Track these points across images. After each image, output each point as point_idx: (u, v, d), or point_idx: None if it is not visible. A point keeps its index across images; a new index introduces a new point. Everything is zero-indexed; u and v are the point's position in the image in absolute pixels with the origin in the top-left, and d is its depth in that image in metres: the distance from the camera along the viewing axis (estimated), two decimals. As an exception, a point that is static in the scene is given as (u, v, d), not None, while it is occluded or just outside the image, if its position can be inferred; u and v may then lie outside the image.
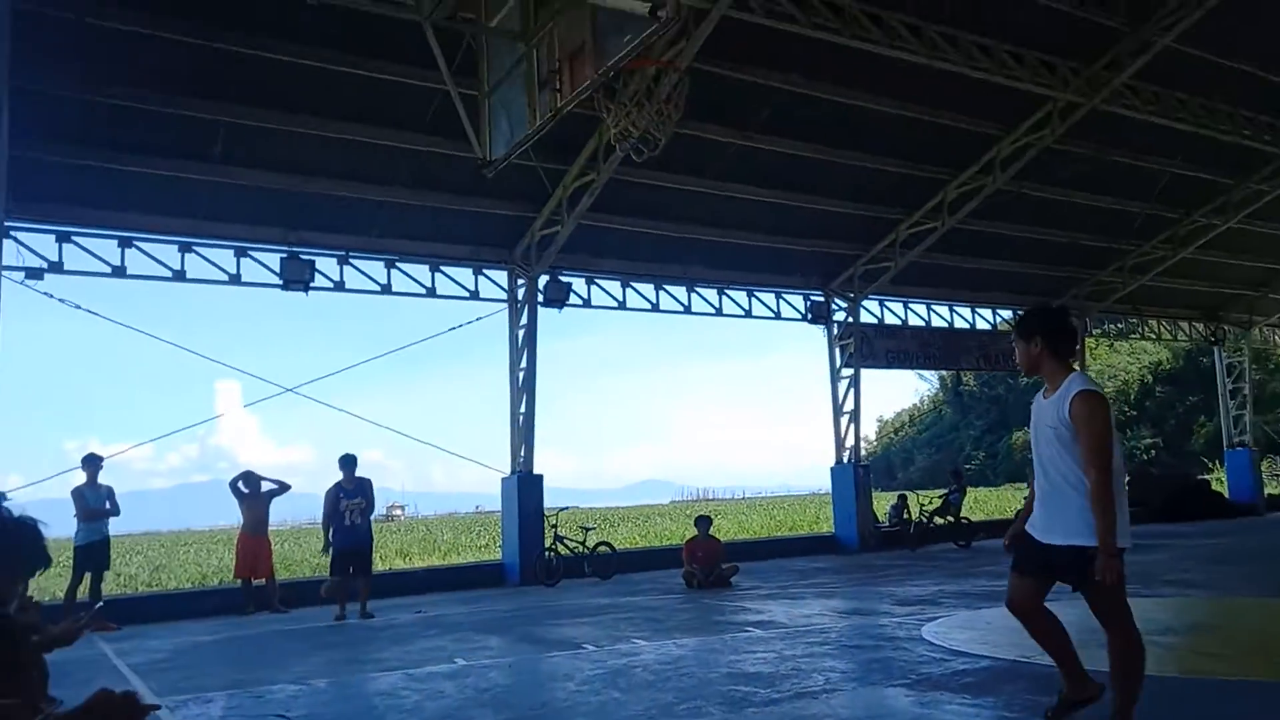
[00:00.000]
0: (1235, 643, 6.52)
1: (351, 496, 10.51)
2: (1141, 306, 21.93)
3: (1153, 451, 50.92)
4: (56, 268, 11.46)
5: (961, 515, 17.81)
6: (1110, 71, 12.99)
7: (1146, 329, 23.40)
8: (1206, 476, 28.85)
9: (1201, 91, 14.24)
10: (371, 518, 10.84)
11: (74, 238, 11.58)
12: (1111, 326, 23.79)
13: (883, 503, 19.53)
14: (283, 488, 12.04)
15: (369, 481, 10.80)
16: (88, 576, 10.45)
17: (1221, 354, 23.88)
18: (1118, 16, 12.34)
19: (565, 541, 13.86)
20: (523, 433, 14.24)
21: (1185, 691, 5.03)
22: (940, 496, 18.18)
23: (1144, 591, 9.09)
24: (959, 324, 19.66)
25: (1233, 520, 20.40)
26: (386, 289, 13.57)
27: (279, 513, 12.99)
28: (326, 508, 10.54)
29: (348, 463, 10.67)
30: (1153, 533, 17.64)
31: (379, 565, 19.94)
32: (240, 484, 11.81)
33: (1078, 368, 4.21)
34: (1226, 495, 23.20)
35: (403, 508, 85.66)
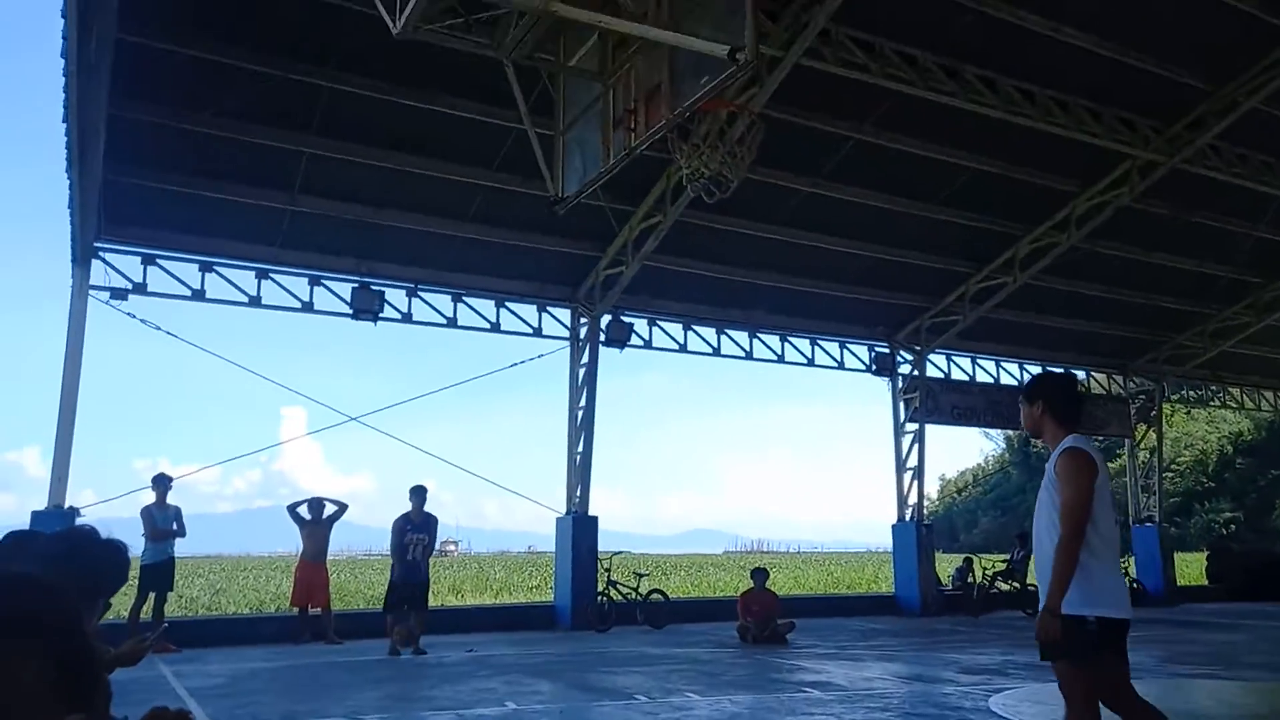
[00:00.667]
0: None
1: (418, 531, 10.48)
2: (1222, 373, 21.12)
3: (1232, 526, 48.81)
4: (140, 289, 11.84)
5: (1027, 581, 17.17)
6: (1193, 131, 12.64)
7: (1228, 397, 22.49)
8: (1290, 555, 27.44)
9: (1289, 154, 13.79)
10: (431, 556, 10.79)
11: (158, 260, 11.98)
12: (1190, 393, 22.95)
13: (945, 565, 18.96)
14: (342, 508, 12.15)
15: (435, 519, 10.78)
16: (151, 596, 10.61)
17: (1308, 426, 22.82)
18: (1201, 76, 12.06)
19: (618, 587, 13.68)
20: (580, 472, 14.18)
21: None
22: (1004, 560, 17.56)
23: (1225, 674, 8.60)
24: (1029, 383, 19.15)
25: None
26: (452, 322, 13.74)
27: (337, 541, 13.10)
28: (394, 538, 10.46)
29: (419, 494, 10.62)
30: (1232, 611, 16.79)
31: (433, 601, 20.01)
32: (303, 509, 11.92)
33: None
34: (1312, 575, 21.98)
35: (456, 543, 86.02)
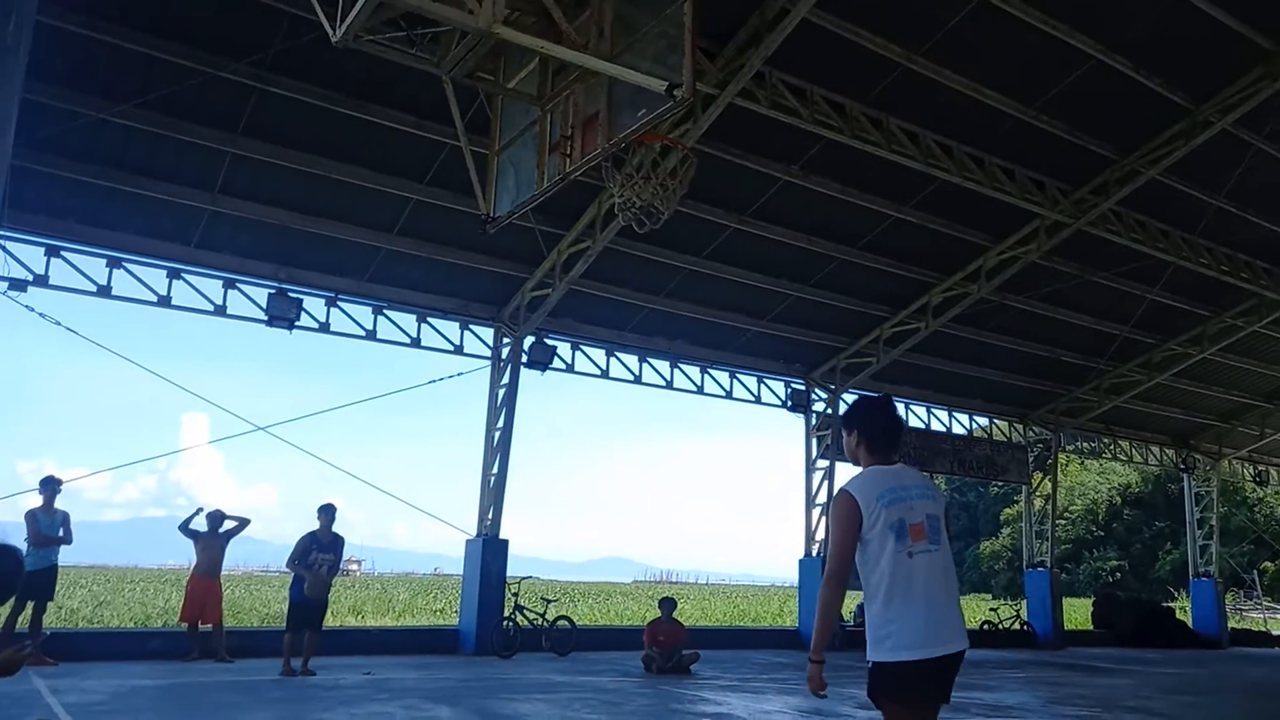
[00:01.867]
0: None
1: (324, 550, 10.16)
2: (1115, 427, 22.19)
3: (1118, 575, 50.94)
4: (41, 281, 11.32)
5: None
6: (1097, 196, 13.40)
7: (1119, 449, 23.62)
8: (1171, 604, 28.81)
9: (1184, 224, 14.70)
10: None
11: (63, 252, 11.47)
12: (1084, 444, 24.00)
13: (850, 601, 19.30)
14: (243, 524, 11.74)
15: (342, 540, 10.44)
16: (30, 605, 10.04)
17: (1190, 482, 24.08)
18: (1108, 145, 12.79)
19: (525, 612, 13.53)
20: (493, 494, 14.02)
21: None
22: None
23: (1105, 717, 8.97)
24: (935, 426, 19.78)
25: (1196, 651, 20.29)
26: (371, 335, 13.50)
27: (233, 556, 12.64)
28: (296, 552, 10.11)
29: (327, 513, 10.33)
30: (1117, 657, 17.51)
31: (330, 621, 19.42)
32: (198, 521, 11.48)
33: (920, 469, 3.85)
34: (1190, 625, 23.12)
35: (359, 562, 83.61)
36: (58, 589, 10.91)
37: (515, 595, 13.56)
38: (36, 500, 10.35)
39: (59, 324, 11.57)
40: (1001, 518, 59.37)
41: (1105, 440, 23.13)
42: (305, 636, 10.09)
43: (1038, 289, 16.04)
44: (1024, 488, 21.46)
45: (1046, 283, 15.82)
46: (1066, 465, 47.89)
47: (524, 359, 14.23)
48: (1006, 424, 21.11)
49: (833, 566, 3.45)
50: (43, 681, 8.27)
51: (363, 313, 13.44)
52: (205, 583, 11.30)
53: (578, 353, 15.31)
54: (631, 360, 15.86)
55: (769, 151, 12.25)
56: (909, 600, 3.36)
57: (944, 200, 13.47)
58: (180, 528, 11.50)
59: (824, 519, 17.62)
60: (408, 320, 13.80)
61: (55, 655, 9.67)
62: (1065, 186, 13.43)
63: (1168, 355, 18.73)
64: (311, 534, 10.20)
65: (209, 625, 11.23)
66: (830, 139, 11.40)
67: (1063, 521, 48.51)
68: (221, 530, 11.55)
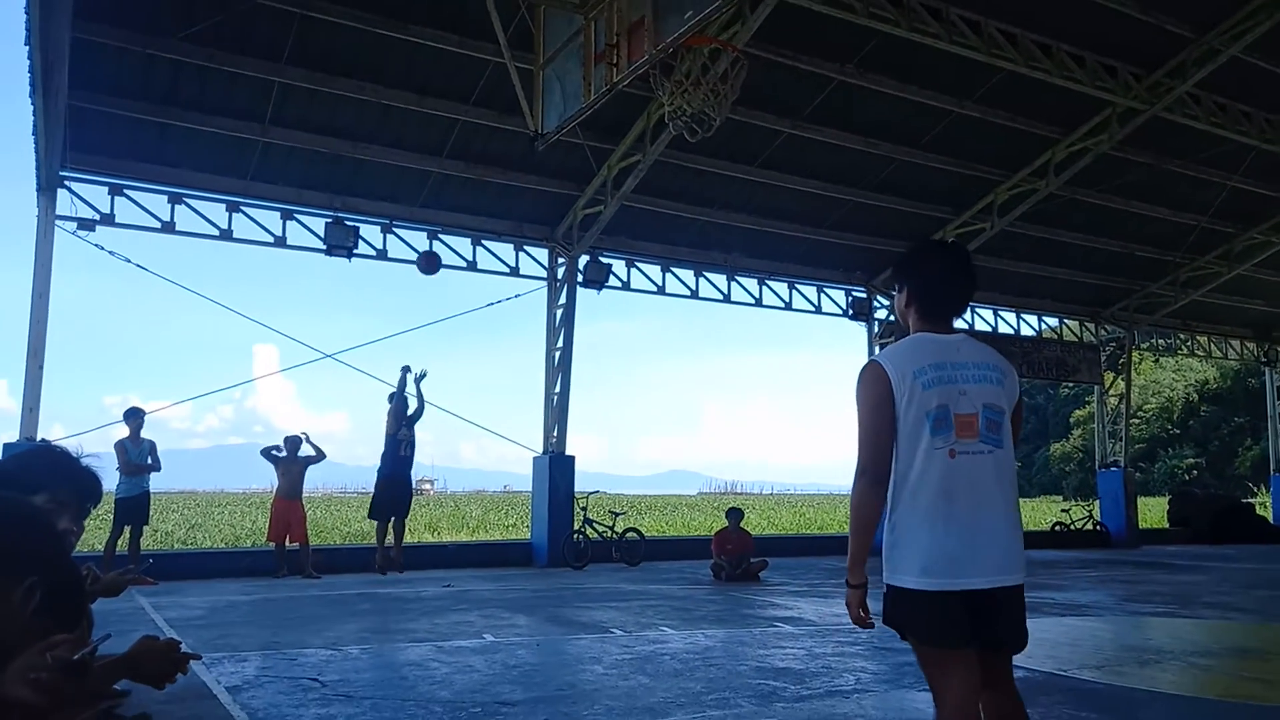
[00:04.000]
0: (1275, 668, 6.31)
1: (409, 426, 12.04)
2: (1192, 322, 21.44)
3: (1194, 472, 49.98)
4: (108, 220, 11.59)
5: None
6: (1173, 79, 12.62)
7: (1196, 345, 22.85)
8: (1250, 500, 28.22)
9: (1267, 105, 13.82)
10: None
11: (126, 191, 11.71)
12: (1159, 341, 23.27)
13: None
14: (319, 456, 12.15)
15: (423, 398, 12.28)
16: (127, 530, 10.59)
17: (1272, 375, 23.25)
18: (1184, 23, 12.00)
19: (594, 525, 13.84)
20: (556, 413, 14.23)
21: (1222, 714, 4.87)
22: None
23: (1184, 613, 8.88)
24: (1003, 329, 19.34)
25: (1276, 545, 19.91)
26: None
27: (312, 479, 13.12)
28: (390, 425, 12.10)
29: (408, 378, 12.23)
30: (1194, 554, 17.29)
31: (409, 538, 20.17)
32: (276, 449, 11.90)
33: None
34: (1271, 520, 22.65)
35: (431, 482, 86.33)
36: (152, 513, 11.46)
37: (584, 509, 13.86)
38: (124, 431, 10.82)
39: (129, 261, 11.91)
40: (1072, 419, 58.48)
41: (1182, 336, 22.41)
42: (397, 528, 11.73)
43: (1110, 181, 15.35)
44: (1096, 388, 20.99)
45: (1119, 175, 15.12)
46: (1140, 363, 46.65)
47: (579, 278, 14.23)
48: (1077, 324, 20.54)
49: (863, 459, 2.67)
50: (146, 600, 8.78)
51: (418, 238, 13.53)
52: (288, 504, 11.75)
53: (633, 270, 15.24)
54: (687, 275, 15.74)
55: (822, 51, 11.80)
56: (939, 513, 2.58)
57: (1009, 92, 12.87)
58: (262, 453, 11.95)
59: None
60: (463, 244, 13.86)
61: (154, 575, 10.20)
62: (1139, 70, 12.68)
63: (1249, 245, 17.90)
64: (401, 405, 12.09)
65: (295, 544, 11.73)
66: (886, 33, 10.87)
67: (1136, 420, 47.56)
68: (300, 454, 11.96)
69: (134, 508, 10.58)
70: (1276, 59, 12.76)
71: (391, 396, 12.22)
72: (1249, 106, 13.78)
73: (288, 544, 11.72)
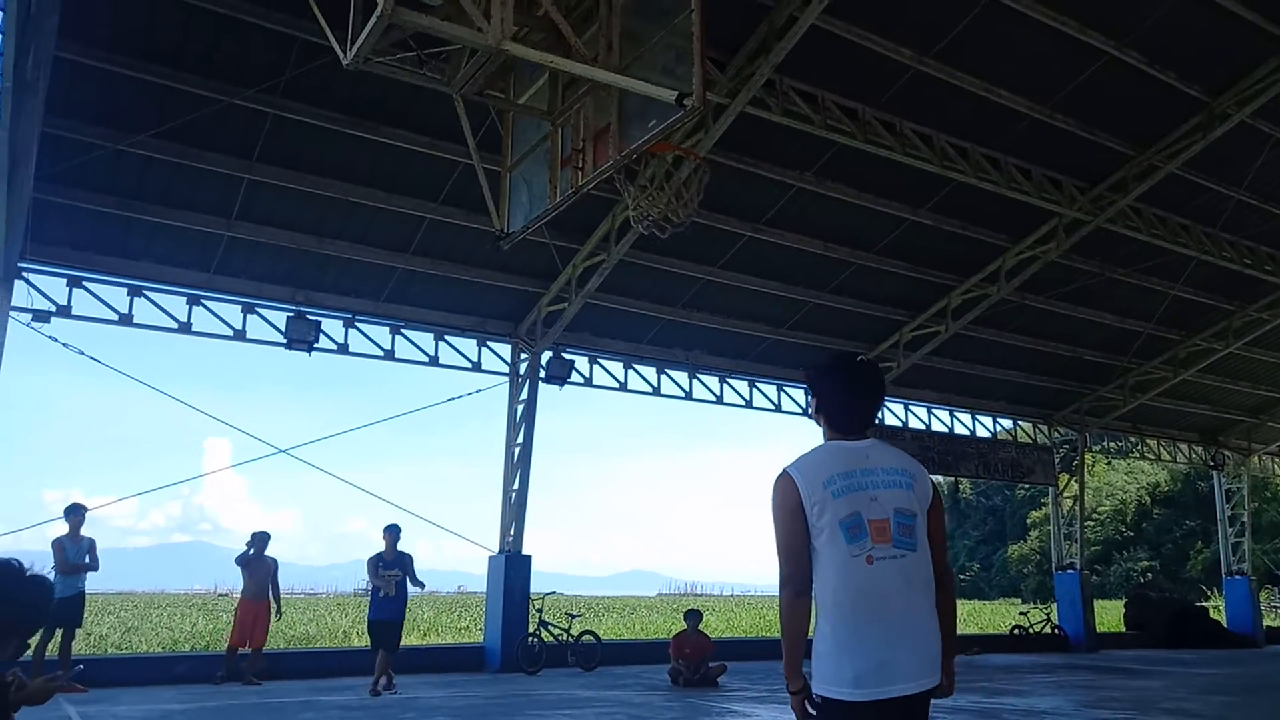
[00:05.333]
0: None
1: (389, 567, 10.51)
2: (1142, 426, 21.91)
3: (1149, 575, 50.25)
4: (64, 312, 11.43)
5: None
6: (1115, 193, 13.26)
7: (1146, 449, 23.31)
8: (1205, 604, 28.37)
9: (1204, 219, 14.53)
10: (409, 590, 10.80)
11: (85, 283, 11.59)
12: (1111, 444, 23.74)
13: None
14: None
15: (410, 556, 10.77)
16: (58, 633, 10.10)
17: (1221, 480, 23.71)
18: (1124, 140, 12.67)
19: (550, 628, 13.48)
20: (514, 510, 14.02)
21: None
22: None
23: (1141, 719, 8.81)
24: (959, 429, 19.60)
25: (1231, 650, 19.95)
26: (390, 354, 13.55)
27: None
28: (369, 573, 10.59)
29: (392, 532, 10.70)
30: (1151, 659, 17.25)
31: (355, 642, 19.42)
32: (249, 550, 11.40)
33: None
34: (1225, 625, 22.74)
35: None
36: (86, 615, 10.95)
37: (539, 611, 13.52)
38: (63, 528, 10.43)
39: (82, 353, 11.68)
40: (1029, 520, 58.78)
41: (1132, 439, 22.84)
42: (383, 654, 10.33)
43: (1058, 288, 15.89)
44: (1051, 489, 21.22)
45: (1067, 281, 15.67)
46: (1094, 465, 47.36)
47: (542, 374, 14.24)
48: (1031, 425, 20.89)
49: (784, 570, 2.69)
50: (74, 709, 8.31)
51: (380, 333, 13.50)
52: (255, 605, 11.22)
53: (595, 366, 15.31)
54: (649, 372, 15.84)
55: (782, 159, 12.23)
56: (865, 621, 2.61)
57: (960, 202, 13.39)
58: (237, 561, 11.41)
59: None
60: (425, 339, 13.85)
61: (85, 682, 9.70)
62: (1083, 184, 13.32)
63: (1193, 351, 18.48)
64: (378, 554, 10.60)
65: (247, 649, 11.19)
66: (843, 144, 11.37)
67: (1091, 523, 47.94)
68: (266, 552, 11.48)
69: (68, 609, 10.08)
70: (1211, 175, 13.50)
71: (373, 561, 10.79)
72: (1187, 219, 14.48)
73: (243, 649, 11.17)
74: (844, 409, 2.91)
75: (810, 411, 3.03)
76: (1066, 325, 17.31)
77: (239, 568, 11.41)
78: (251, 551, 11.42)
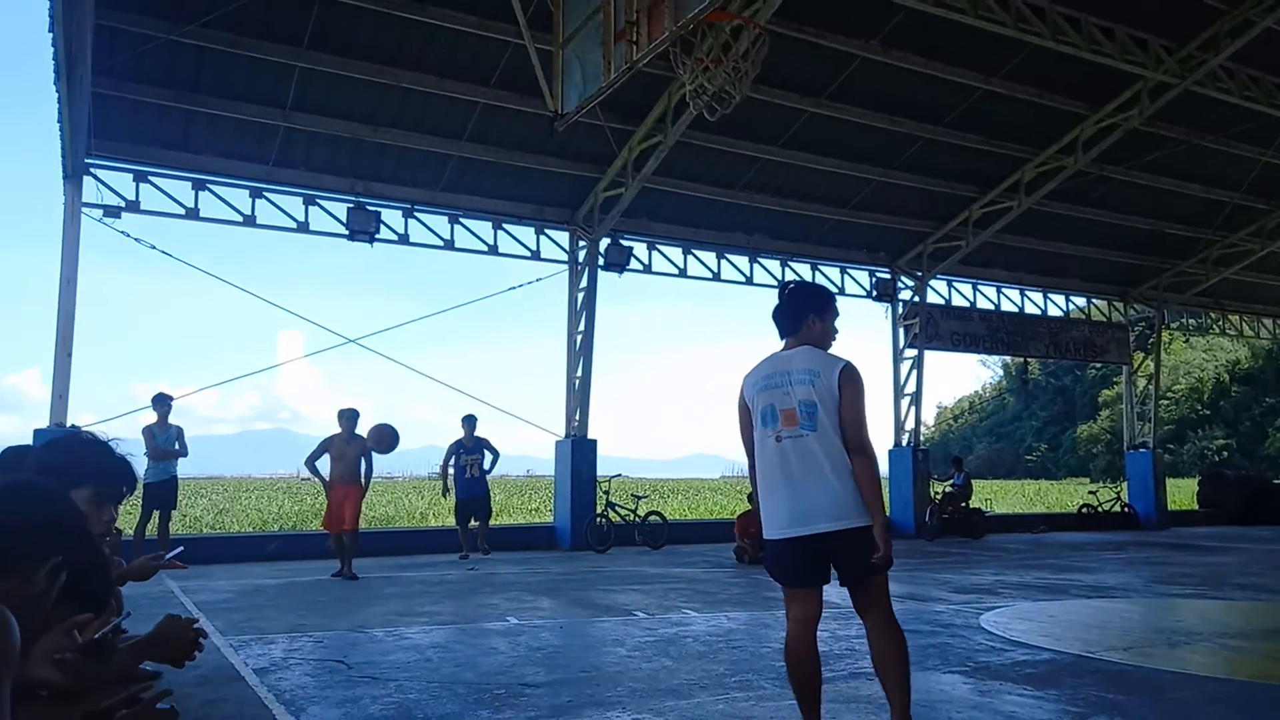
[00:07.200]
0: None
1: (471, 453, 11.93)
2: (1224, 301, 21.08)
3: (1224, 454, 49.31)
4: (133, 207, 11.66)
5: (971, 506, 17.07)
6: (1205, 52, 12.33)
7: (1227, 324, 22.48)
8: (1280, 481, 27.80)
9: (1304, 77, 13.50)
10: (490, 471, 12.18)
11: (151, 178, 11.77)
12: (1189, 321, 22.90)
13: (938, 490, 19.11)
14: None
15: (487, 441, 12.15)
16: (155, 515, 10.68)
17: (1306, 354, 22.81)
18: (1218, -6, 11.71)
19: (617, 509, 13.85)
20: (579, 396, 14.22)
21: (1253, 695, 4.79)
22: (950, 485, 17.12)
23: (1213, 594, 8.75)
24: (1029, 309, 19.10)
25: (1307, 527, 19.62)
26: (449, 244, 13.60)
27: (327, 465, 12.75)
28: (445, 459, 12.02)
29: (469, 422, 12.05)
30: (1225, 535, 17.08)
31: (433, 522, 20.26)
32: (333, 435, 10.21)
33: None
34: (1302, 501, 22.30)
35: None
36: (180, 498, 11.53)
37: (606, 493, 13.88)
38: (152, 417, 10.90)
39: (154, 247, 11.98)
40: (1100, 400, 57.80)
41: (1213, 315, 22.02)
42: (479, 526, 12.08)
43: (1140, 158, 15.07)
44: (1124, 368, 20.71)
45: (1149, 150, 14.84)
46: (1170, 343, 46.02)
47: (601, 261, 14.18)
48: (1106, 303, 20.26)
49: (747, 454, 3.73)
50: (175, 584, 8.89)
51: (439, 223, 13.53)
52: (345, 489, 10.12)
53: (654, 252, 15.17)
54: (709, 258, 15.64)
55: (845, 27, 11.64)
56: (775, 483, 3.52)
57: (1036, 67, 12.65)
58: (306, 463, 10.45)
59: (911, 409, 17.39)
60: (484, 228, 13.85)
61: (183, 559, 10.27)
62: (1170, 44, 12.41)
63: (1284, 221, 17.53)
64: (458, 441, 11.98)
65: (346, 531, 10.06)
66: (912, 7, 10.71)
67: (1165, 401, 46.93)
68: (355, 432, 10.22)
69: (162, 493, 10.64)
70: (1313, 30, 12.45)
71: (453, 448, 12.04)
72: (1283, 79, 13.46)
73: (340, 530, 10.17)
74: (778, 325, 3.74)
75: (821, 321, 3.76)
76: (1147, 197, 16.51)
77: (315, 468, 10.26)
78: (341, 428, 10.18)
